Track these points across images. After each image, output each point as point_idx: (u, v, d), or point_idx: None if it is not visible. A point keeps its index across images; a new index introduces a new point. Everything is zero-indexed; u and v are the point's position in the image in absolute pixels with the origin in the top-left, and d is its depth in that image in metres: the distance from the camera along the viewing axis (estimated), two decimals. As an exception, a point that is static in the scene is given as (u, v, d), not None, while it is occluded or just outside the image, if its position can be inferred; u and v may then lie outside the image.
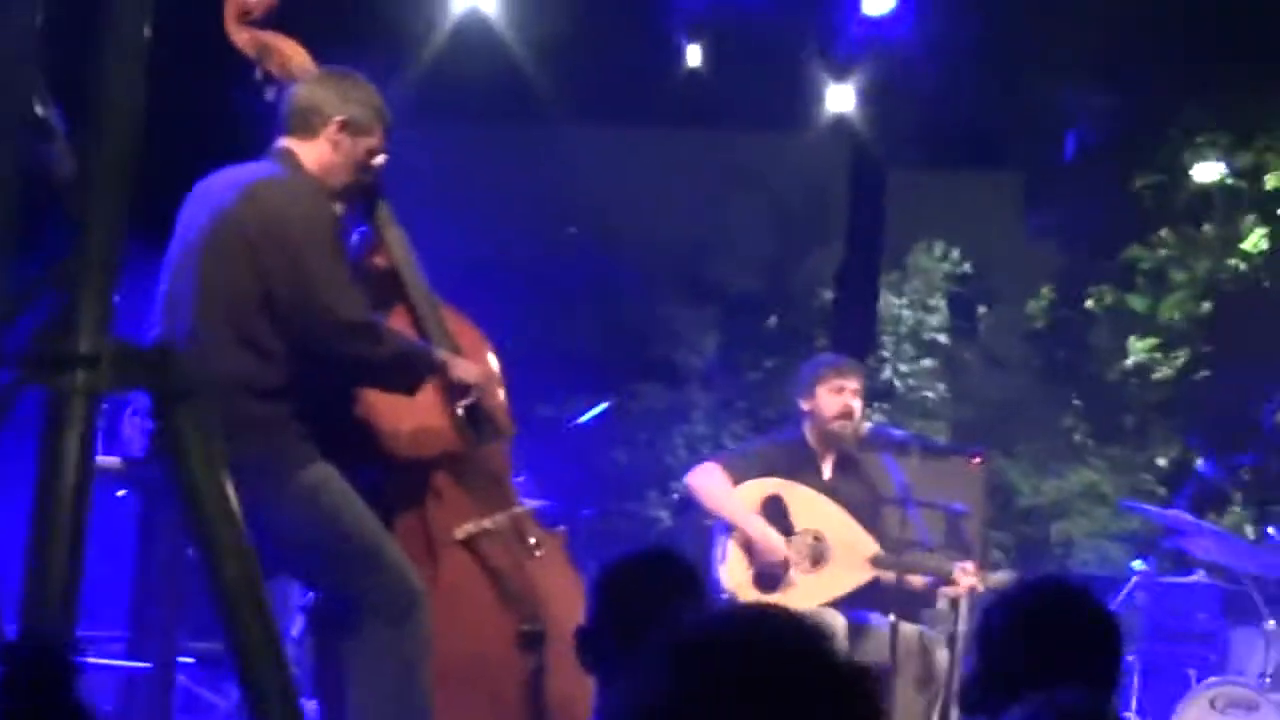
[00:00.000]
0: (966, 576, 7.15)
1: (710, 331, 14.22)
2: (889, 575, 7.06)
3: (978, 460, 9.11)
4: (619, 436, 12.46)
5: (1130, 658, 9.18)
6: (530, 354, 10.82)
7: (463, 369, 5.30)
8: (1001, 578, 7.32)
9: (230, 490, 2.66)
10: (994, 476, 15.25)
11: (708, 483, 7.26)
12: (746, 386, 14.10)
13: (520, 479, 8.08)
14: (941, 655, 7.16)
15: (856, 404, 7.38)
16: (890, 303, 14.48)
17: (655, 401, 13.59)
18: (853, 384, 7.41)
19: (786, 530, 7.11)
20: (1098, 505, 15.53)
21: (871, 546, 7.17)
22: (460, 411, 5.41)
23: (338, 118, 5.15)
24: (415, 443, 5.35)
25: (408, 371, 5.10)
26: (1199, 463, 11.98)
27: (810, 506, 7.18)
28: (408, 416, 5.31)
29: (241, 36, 5.36)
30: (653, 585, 3.61)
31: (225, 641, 3.07)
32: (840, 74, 11.35)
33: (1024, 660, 3.59)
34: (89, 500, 2.87)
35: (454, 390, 5.32)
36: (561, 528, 5.87)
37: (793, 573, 7.05)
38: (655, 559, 3.76)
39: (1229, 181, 12.71)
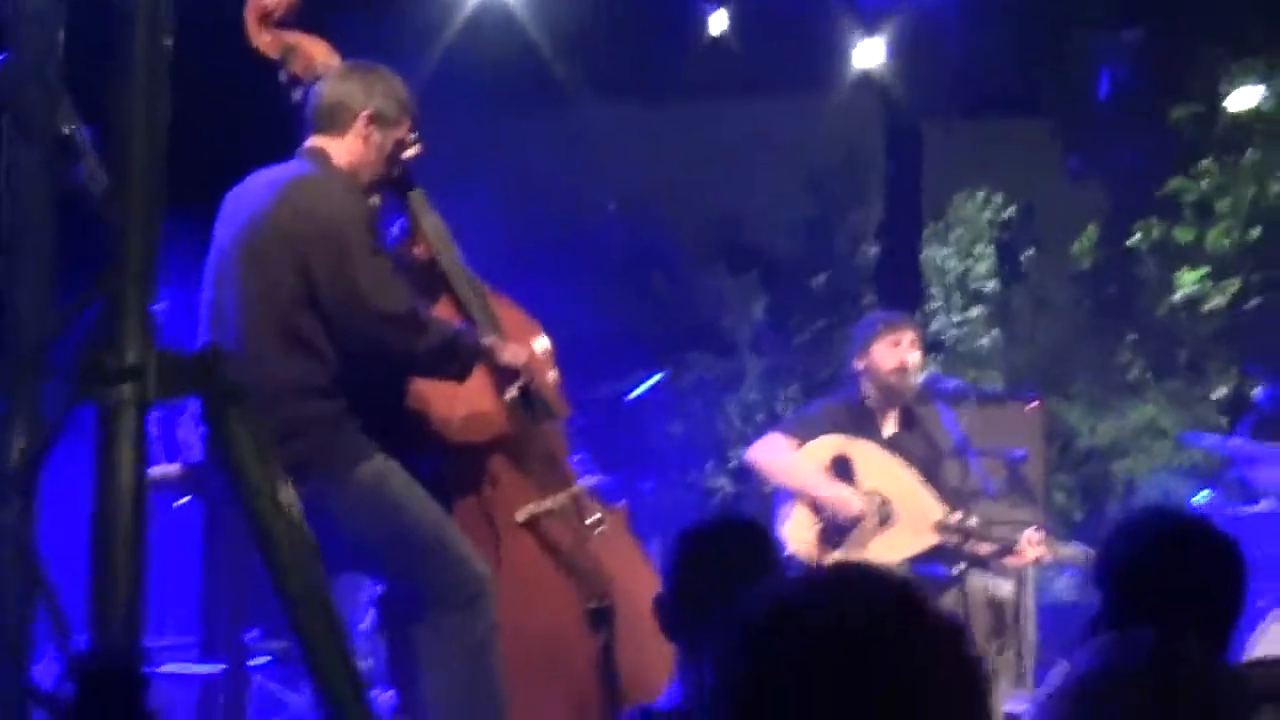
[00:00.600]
0: (1033, 548, 7.12)
1: (756, 297, 14.17)
2: (953, 539, 7.03)
3: (1034, 405, 9.10)
4: (673, 409, 12.43)
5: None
6: (578, 333, 10.83)
7: (510, 352, 5.31)
8: (1072, 551, 7.29)
9: (286, 488, 2.67)
10: (1052, 420, 15.23)
11: (771, 454, 7.24)
12: (797, 349, 14.06)
13: (578, 457, 8.11)
14: (1011, 603, 7.13)
15: (914, 356, 7.34)
16: (935, 254, 14.42)
17: (706, 371, 13.56)
18: (909, 335, 7.38)
19: (853, 489, 7.09)
20: (1159, 440, 15.46)
21: (937, 510, 7.13)
22: (512, 394, 5.43)
23: (365, 112, 5.17)
24: (469, 428, 5.37)
25: (456, 359, 5.11)
26: (1257, 391, 11.89)
27: (877, 466, 7.16)
28: (460, 403, 5.34)
29: (264, 39, 5.38)
30: (729, 553, 3.63)
31: (293, 639, 3.09)
32: (867, 29, 11.30)
33: (1143, 594, 3.59)
34: (146, 509, 2.89)
35: (503, 374, 5.33)
36: (622, 503, 5.89)
37: (858, 532, 7.03)
38: (730, 527, 3.78)
39: (1267, 107, 12.61)
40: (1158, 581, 3.62)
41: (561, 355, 5.87)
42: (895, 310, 8.85)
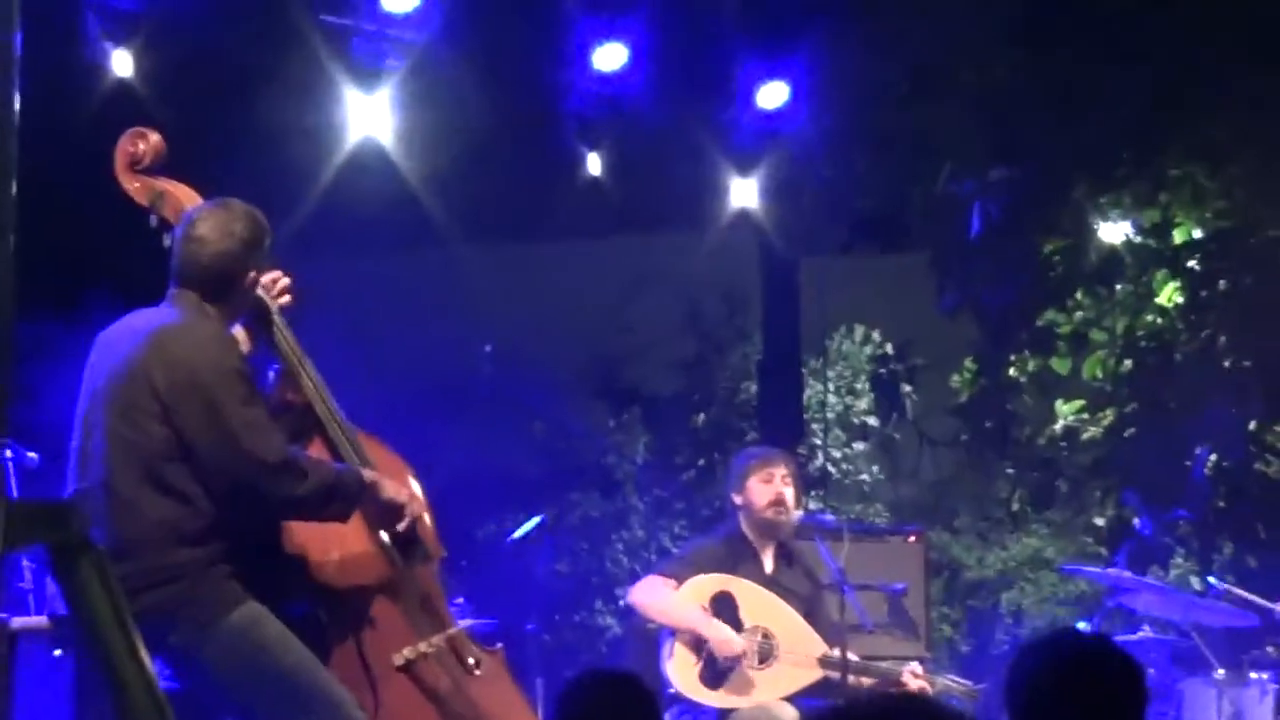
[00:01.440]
0: (915, 680, 7.16)
1: (639, 436, 14.25)
2: (836, 674, 7.04)
3: (914, 538, 9.15)
4: (560, 548, 12.44)
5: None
6: (459, 475, 10.83)
7: (392, 489, 5.30)
8: (951, 683, 7.32)
9: (138, 640, 2.64)
10: (938, 553, 15.34)
11: (651, 596, 7.25)
12: (681, 487, 14.13)
13: (459, 601, 8.09)
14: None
15: (788, 491, 7.39)
16: (816, 390, 14.56)
17: (592, 510, 13.60)
18: (781, 470, 7.43)
19: (736, 626, 7.10)
20: (1043, 571, 15.62)
21: (820, 645, 7.16)
22: (386, 537, 5.41)
23: (249, 277, 5.16)
24: (345, 571, 5.34)
25: (339, 500, 5.09)
26: (1135, 520, 12.04)
27: (759, 603, 7.18)
28: (335, 546, 5.30)
29: (133, 185, 5.39)
30: (606, 708, 3.66)
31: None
32: (742, 169, 11.42)
33: (1049, 714, 3.61)
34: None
35: (384, 513, 5.31)
36: (499, 645, 5.85)
37: (741, 669, 7.03)
38: (607, 681, 3.81)
39: (1137, 240, 12.82)
40: (1063, 702, 3.66)
41: (443, 497, 5.86)
42: (776, 446, 8.88)
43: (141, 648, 2.82)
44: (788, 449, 8.96)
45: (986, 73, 11.81)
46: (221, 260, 5.11)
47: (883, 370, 14.38)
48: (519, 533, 9.20)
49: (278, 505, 5.04)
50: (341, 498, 5.10)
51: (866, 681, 7.19)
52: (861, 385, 15.26)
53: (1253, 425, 12.45)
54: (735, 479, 7.50)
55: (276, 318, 5.46)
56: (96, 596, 2.72)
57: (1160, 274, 12.80)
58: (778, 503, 7.34)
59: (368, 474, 5.26)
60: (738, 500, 7.45)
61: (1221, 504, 12.46)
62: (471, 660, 5.55)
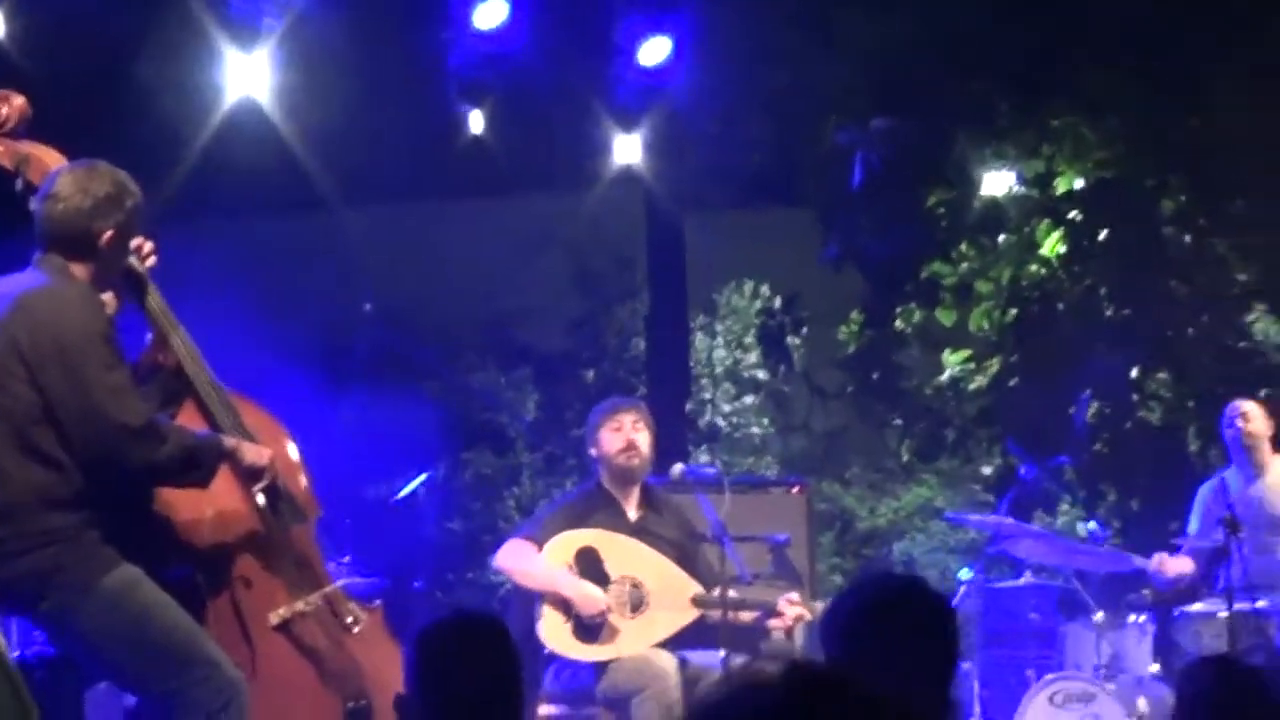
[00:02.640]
0: (793, 607, 7.23)
1: (529, 393, 14.28)
2: (714, 614, 7.10)
3: (797, 489, 9.23)
4: (452, 506, 12.46)
5: (968, 665, 9.33)
6: (349, 438, 10.83)
7: (253, 453, 5.31)
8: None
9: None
10: (830, 504, 15.46)
11: (514, 561, 7.30)
12: (572, 443, 14.18)
13: (346, 560, 8.11)
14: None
15: (640, 436, 7.46)
16: (705, 345, 14.62)
17: (484, 467, 13.62)
18: (631, 417, 7.52)
19: (602, 579, 7.13)
20: (934, 520, 15.76)
21: (691, 586, 7.22)
22: (260, 497, 5.43)
23: (106, 235, 5.14)
24: (219, 528, 5.36)
25: (198, 466, 5.10)
26: (1020, 468, 12.16)
27: (624, 553, 7.22)
28: (208, 504, 5.33)
29: (-3, 148, 5.36)
30: (464, 650, 3.65)
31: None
32: (625, 125, 11.44)
33: (864, 652, 3.68)
34: None
35: (248, 475, 5.33)
36: (377, 602, 5.89)
37: (614, 621, 7.09)
38: (464, 624, 3.79)
39: (1020, 190, 12.93)
40: (874, 639, 3.73)
41: (332, 458, 5.88)
42: (665, 401, 8.96)
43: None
44: (677, 403, 9.02)
45: (870, 24, 11.87)
46: (76, 216, 5.10)
47: (771, 323, 14.44)
48: (404, 491, 9.22)
49: (137, 470, 5.04)
50: (201, 464, 5.11)
51: (745, 617, 7.25)
52: (750, 339, 15.32)
53: (1134, 373, 12.61)
54: (589, 433, 7.64)
55: (147, 280, 5.46)
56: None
57: (1043, 224, 12.91)
58: (629, 448, 7.43)
59: (228, 440, 5.28)
60: (594, 453, 7.58)
61: (1104, 450, 12.61)
62: (350, 619, 5.59)
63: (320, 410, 6.51)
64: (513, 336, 14.54)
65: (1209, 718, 4.41)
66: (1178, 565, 9.00)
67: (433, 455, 11.53)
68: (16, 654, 5.20)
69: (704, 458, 13.69)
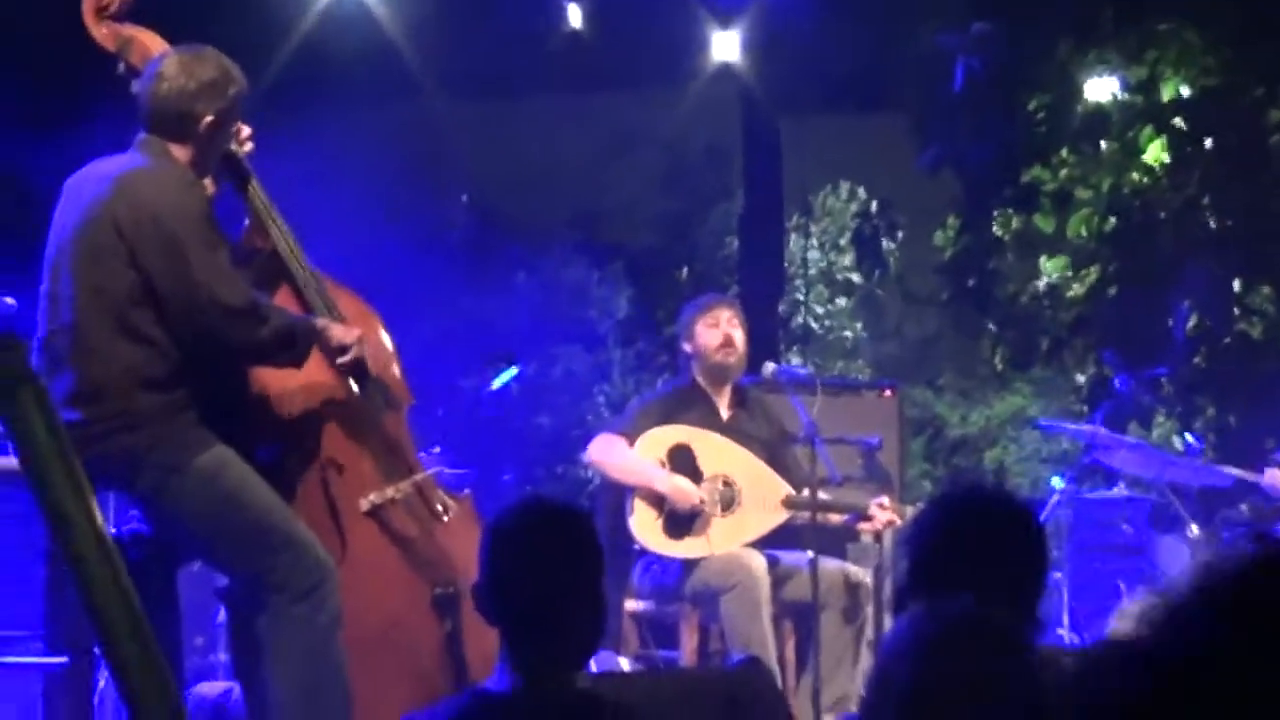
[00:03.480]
0: (884, 511, 7.18)
1: (621, 290, 14.24)
2: (804, 515, 7.06)
3: (889, 393, 9.17)
4: (541, 401, 12.48)
5: (1059, 575, 9.28)
6: (441, 330, 10.84)
7: (341, 331, 5.31)
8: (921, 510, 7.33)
9: (81, 474, 2.64)
10: (921, 410, 15.38)
11: (606, 454, 7.25)
12: (663, 340, 14.15)
13: (436, 450, 8.12)
14: (867, 589, 7.19)
15: (737, 333, 7.39)
16: (799, 246, 14.54)
17: (574, 363, 13.62)
18: (726, 314, 7.44)
19: (695, 476, 7.10)
20: (1026, 429, 15.67)
21: (783, 487, 7.18)
22: (351, 383, 5.44)
23: (206, 119, 5.13)
24: (308, 401, 5.36)
25: (294, 345, 5.11)
26: (1115, 379, 12.05)
27: (717, 451, 7.19)
28: (298, 381, 5.34)
29: (100, 31, 5.37)
30: (538, 539, 3.61)
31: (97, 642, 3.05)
32: (723, 22, 11.34)
33: (948, 565, 3.64)
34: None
35: (337, 353, 5.32)
36: (467, 491, 5.89)
37: (703, 518, 7.07)
38: (540, 513, 3.74)
39: (1123, 97, 12.75)
40: (957, 553, 3.68)
41: (425, 347, 5.88)
42: (759, 302, 8.90)
43: (85, 481, 2.82)
44: (770, 304, 8.96)
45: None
46: (179, 98, 5.09)
47: (866, 226, 14.34)
48: (497, 383, 9.22)
49: (237, 350, 5.05)
50: (297, 343, 5.11)
51: (835, 519, 7.21)
52: (845, 242, 15.24)
53: (1236, 285, 12.45)
54: (683, 329, 7.54)
55: (246, 166, 5.46)
56: (38, 428, 2.72)
57: (1146, 131, 12.73)
58: (726, 344, 7.36)
59: (319, 321, 5.28)
60: (688, 349, 7.48)
61: (1202, 364, 12.48)
62: (440, 507, 5.58)
63: (416, 300, 6.48)
64: (605, 232, 14.49)
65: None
66: None
67: (524, 349, 11.53)
68: (113, 531, 5.21)
69: (795, 359, 13.65)
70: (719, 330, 7.37)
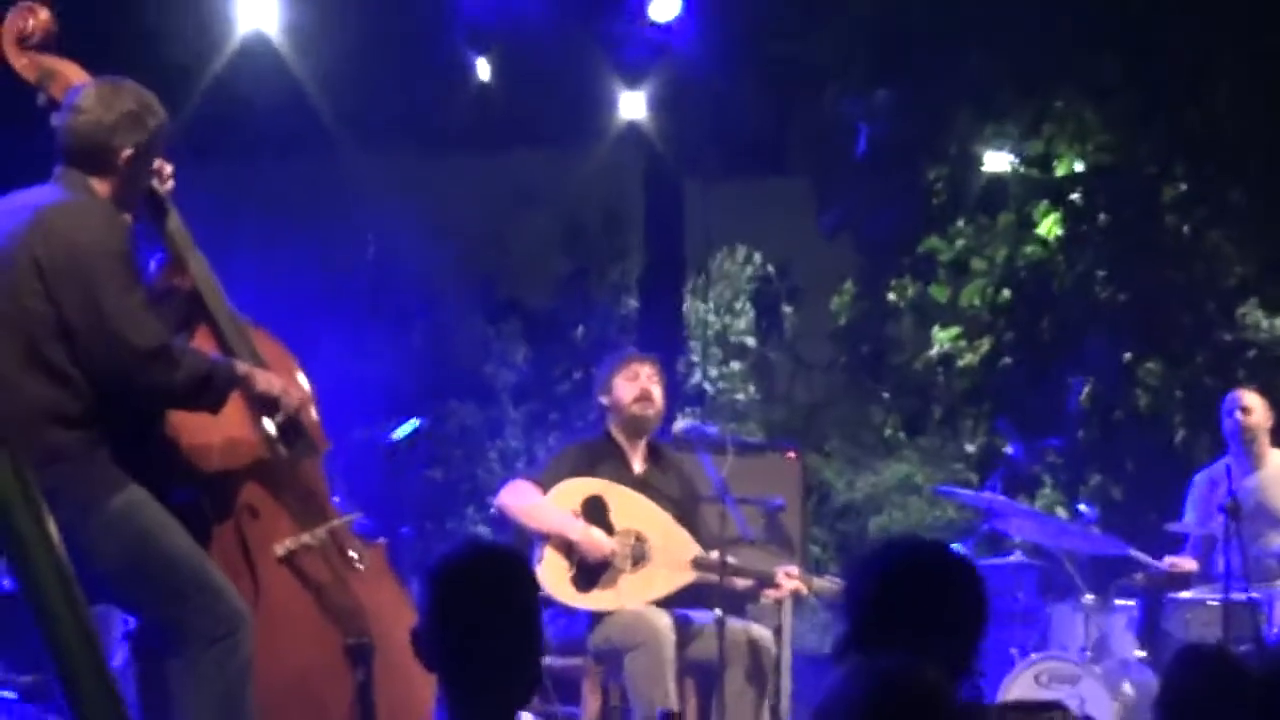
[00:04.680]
0: (790, 580, 7.19)
1: (517, 347, 14.21)
2: (711, 576, 7.03)
3: (792, 455, 9.17)
4: (434, 455, 12.39)
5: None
6: (337, 378, 10.73)
7: (265, 381, 5.22)
8: (826, 584, 7.34)
9: (53, 530, 2.57)
10: (809, 475, 15.40)
11: (518, 500, 7.20)
12: (558, 399, 14.12)
13: (335, 500, 8.02)
14: (770, 650, 7.18)
15: (655, 389, 7.38)
16: (696, 308, 14.56)
17: (467, 418, 13.55)
18: (647, 369, 7.43)
19: (607, 530, 7.07)
20: (912, 497, 15.71)
21: (693, 548, 7.15)
22: (270, 428, 5.36)
23: (125, 153, 5.06)
24: (226, 456, 5.28)
25: (210, 390, 5.01)
26: (1007, 448, 12.14)
27: (630, 506, 7.16)
28: (216, 431, 5.25)
29: (21, 61, 5.28)
30: (482, 580, 3.57)
31: (46, 671, 2.97)
32: (631, 81, 11.36)
33: (888, 616, 3.64)
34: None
35: (260, 403, 5.25)
36: (381, 540, 5.82)
37: (611, 572, 7.03)
38: (482, 555, 3.71)
39: (1020, 170, 12.90)
40: (901, 605, 3.68)
41: (321, 397, 5.80)
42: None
43: (41, 503, 2.73)
44: (668, 365, 8.95)
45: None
46: (97, 131, 5.02)
47: (766, 289, 14.40)
48: (399, 433, 9.14)
49: (149, 393, 4.96)
50: (213, 388, 5.02)
51: (740, 584, 7.20)
52: (741, 305, 15.27)
53: (1127, 358, 12.60)
54: (602, 381, 7.52)
55: (167, 203, 5.39)
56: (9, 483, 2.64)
57: (1042, 205, 12.90)
58: (643, 398, 7.33)
59: (241, 366, 5.19)
60: (605, 401, 7.44)
61: (1094, 435, 12.60)
62: (354, 554, 5.52)
63: (315, 349, 6.40)
64: (504, 289, 14.47)
65: (1195, 706, 4.37)
66: (1188, 564, 9.02)
67: (418, 403, 11.46)
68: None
69: (687, 421, 13.62)
70: (637, 384, 7.36)
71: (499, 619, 3.50)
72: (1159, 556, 9.10)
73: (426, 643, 3.56)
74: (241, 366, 5.21)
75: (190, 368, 4.96)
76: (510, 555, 3.66)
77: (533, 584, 3.64)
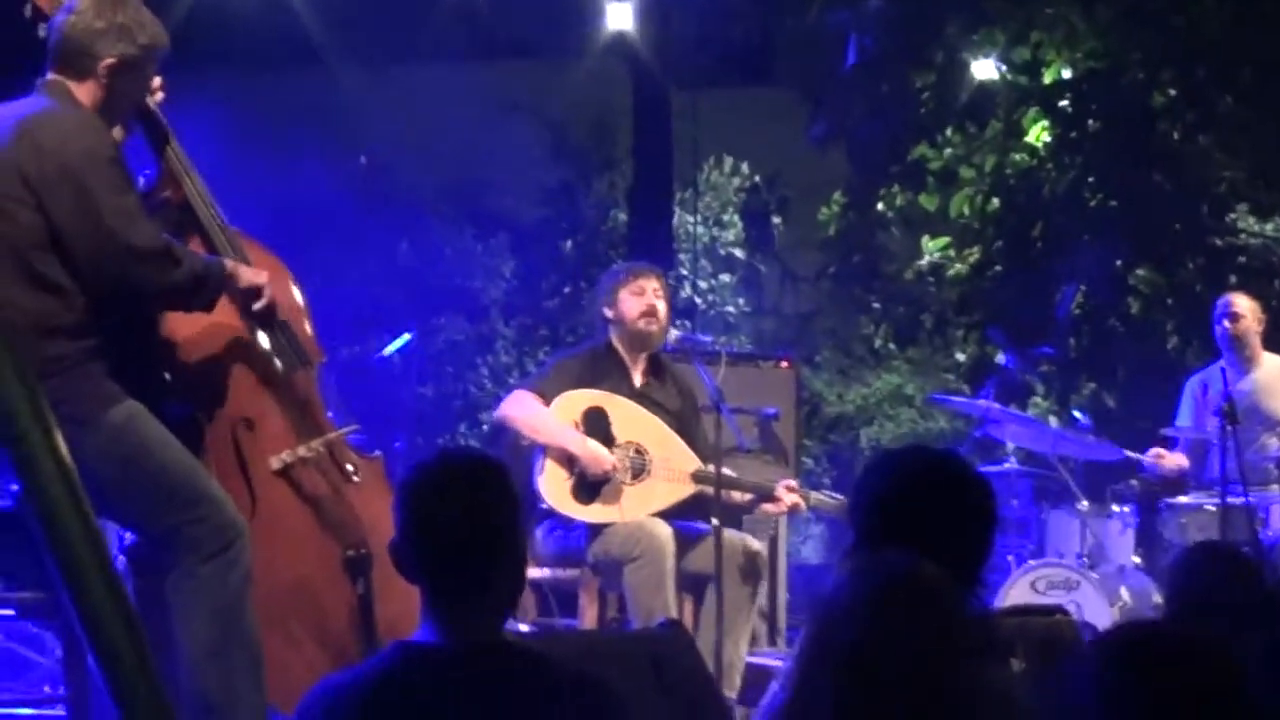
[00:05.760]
0: (789, 494, 7.16)
1: (506, 260, 14.15)
2: (710, 490, 7.00)
3: (785, 364, 9.15)
4: (425, 371, 12.36)
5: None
6: (325, 293, 10.69)
7: (250, 274, 5.18)
8: (825, 498, 7.32)
9: (48, 412, 2.51)
10: (800, 385, 15.40)
11: (520, 410, 7.14)
12: (547, 313, 14.08)
13: (328, 415, 7.98)
14: (763, 558, 7.18)
15: (660, 304, 7.30)
16: (684, 220, 14.51)
17: (457, 334, 13.51)
18: (653, 284, 7.34)
19: (608, 442, 7.03)
20: (903, 407, 15.75)
21: (693, 461, 7.12)
22: (265, 341, 5.32)
23: (107, 60, 4.99)
24: (222, 370, 5.25)
25: (204, 290, 4.98)
26: (999, 356, 12.12)
27: (631, 418, 7.12)
28: (210, 344, 5.22)
29: (6, -31, 5.20)
30: (456, 486, 3.50)
31: (62, 587, 2.91)
32: (618, -8, 11.28)
33: (902, 526, 3.61)
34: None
35: (246, 297, 5.19)
36: (378, 452, 5.78)
37: (612, 484, 7.00)
38: (456, 462, 3.63)
39: (1009, 77, 12.82)
40: (909, 511, 3.65)
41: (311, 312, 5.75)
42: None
43: (47, 412, 2.68)
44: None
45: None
46: (84, 35, 4.96)
47: (754, 200, 14.34)
48: (389, 349, 9.11)
49: (149, 293, 4.91)
50: (208, 287, 4.99)
51: (738, 497, 7.18)
52: (729, 217, 15.23)
53: (1117, 265, 12.56)
54: (606, 292, 7.38)
55: (161, 122, 5.33)
56: (10, 381, 2.59)
57: (1030, 113, 12.83)
58: (649, 313, 7.25)
59: (228, 262, 5.15)
60: (609, 314, 7.34)
61: (1085, 343, 12.58)
62: (350, 467, 5.49)
63: (305, 265, 6.34)
64: (491, 203, 14.39)
65: (1207, 600, 4.36)
66: (1176, 459, 9.01)
67: (406, 319, 11.41)
68: (15, 488, 5.05)
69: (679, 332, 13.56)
70: (644, 299, 7.26)
71: (474, 528, 3.43)
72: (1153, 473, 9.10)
73: (403, 555, 3.51)
74: (228, 263, 5.16)
75: (188, 266, 4.92)
76: (485, 462, 3.56)
77: (509, 492, 3.54)
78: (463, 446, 4.09)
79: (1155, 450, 9.05)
